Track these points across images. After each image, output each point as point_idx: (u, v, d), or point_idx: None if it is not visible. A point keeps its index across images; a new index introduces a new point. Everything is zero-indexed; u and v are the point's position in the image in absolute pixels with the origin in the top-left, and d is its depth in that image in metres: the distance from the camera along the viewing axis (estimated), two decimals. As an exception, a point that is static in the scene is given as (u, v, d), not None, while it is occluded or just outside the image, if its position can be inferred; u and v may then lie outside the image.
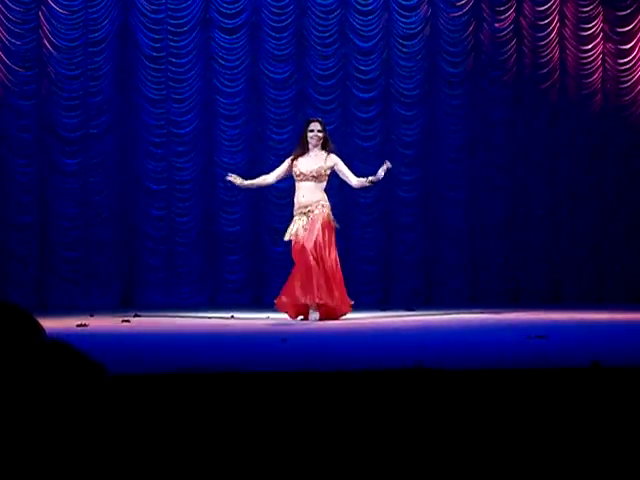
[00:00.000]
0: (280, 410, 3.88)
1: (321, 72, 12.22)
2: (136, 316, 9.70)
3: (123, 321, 9.12)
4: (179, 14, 12.01)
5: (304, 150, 9.59)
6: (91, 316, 9.48)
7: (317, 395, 4.02)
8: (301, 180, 9.56)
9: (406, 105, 12.31)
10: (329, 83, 12.22)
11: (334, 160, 9.63)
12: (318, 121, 9.70)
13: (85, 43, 11.82)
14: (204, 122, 12.11)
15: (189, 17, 12.03)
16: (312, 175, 9.51)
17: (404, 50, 12.33)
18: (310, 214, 9.51)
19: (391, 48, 12.32)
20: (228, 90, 12.11)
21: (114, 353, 5.18)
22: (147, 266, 11.97)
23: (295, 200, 9.67)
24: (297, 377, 4.30)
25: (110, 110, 11.90)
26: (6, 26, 11.65)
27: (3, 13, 11.62)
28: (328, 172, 9.62)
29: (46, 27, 11.76)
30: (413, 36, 12.33)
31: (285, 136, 12.15)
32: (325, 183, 9.63)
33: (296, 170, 9.56)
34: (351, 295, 12.25)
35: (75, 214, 11.79)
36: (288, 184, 12.29)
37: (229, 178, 9.74)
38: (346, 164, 9.77)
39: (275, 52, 12.15)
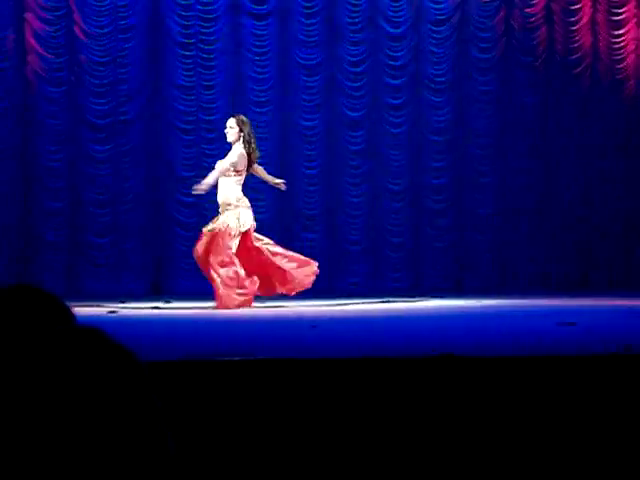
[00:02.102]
0: (310, 396, 3.88)
1: (351, 58, 12.18)
2: (166, 302, 9.75)
3: (153, 308, 9.16)
4: (209, 0, 12.00)
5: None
6: (122, 302, 9.53)
7: (347, 381, 4.02)
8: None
9: (436, 91, 12.26)
10: (359, 69, 12.18)
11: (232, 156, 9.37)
12: (232, 116, 9.55)
13: (115, 30, 11.85)
14: (233, 109, 12.11)
15: (219, 3, 12.02)
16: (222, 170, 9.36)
17: (434, 36, 12.27)
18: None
19: (421, 34, 12.26)
20: (257, 76, 12.10)
21: (144, 340, 5.19)
22: (177, 253, 12.01)
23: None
24: (326, 364, 4.30)
25: (140, 97, 11.93)
26: (37, 13, 11.70)
27: (36, 1, 11.67)
28: (231, 167, 9.36)
29: (76, 14, 11.80)
30: (443, 22, 12.27)
31: (314, 122, 12.13)
32: (236, 178, 9.40)
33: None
34: (380, 282, 12.27)
35: (105, 201, 11.84)
36: (318, 171, 12.30)
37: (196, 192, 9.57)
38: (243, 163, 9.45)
39: (305, 38, 12.13)
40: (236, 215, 9.23)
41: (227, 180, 9.31)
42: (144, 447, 1.09)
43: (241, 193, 9.40)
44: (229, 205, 9.24)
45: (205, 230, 9.34)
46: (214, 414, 3.67)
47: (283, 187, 9.72)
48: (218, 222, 9.26)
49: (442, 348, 4.62)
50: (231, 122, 9.40)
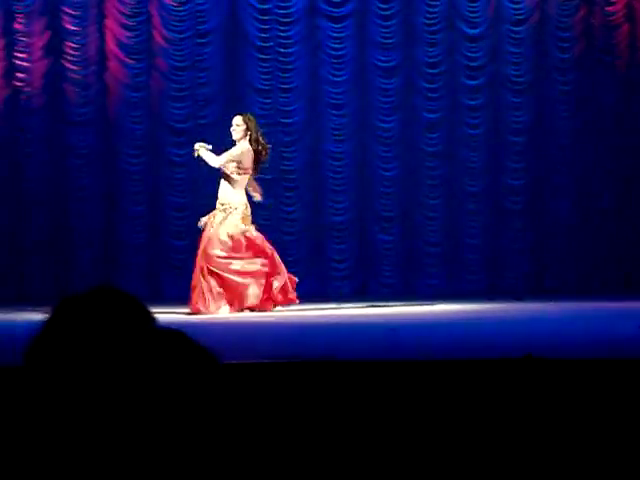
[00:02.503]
0: (388, 399, 3.87)
1: (428, 59, 12.13)
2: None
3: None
4: (286, 4, 12.06)
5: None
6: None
7: (426, 384, 4.00)
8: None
9: (515, 92, 12.15)
10: (436, 70, 12.12)
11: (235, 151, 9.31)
12: (240, 114, 9.50)
13: (194, 34, 11.97)
14: (311, 111, 12.15)
15: (296, 6, 12.07)
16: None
17: (513, 36, 12.15)
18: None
19: (500, 34, 12.16)
20: (335, 79, 12.12)
21: (225, 342, 5.24)
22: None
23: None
24: (406, 366, 4.29)
25: (218, 101, 12.03)
26: (118, 19, 11.88)
27: (116, 7, 11.85)
28: (231, 166, 9.30)
29: (156, 19, 11.95)
30: (522, 22, 12.15)
31: (391, 124, 12.11)
32: (237, 180, 9.35)
33: None
34: (457, 283, 12.18)
35: (185, 204, 11.95)
36: (395, 173, 12.27)
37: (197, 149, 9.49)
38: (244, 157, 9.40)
39: (382, 40, 12.11)
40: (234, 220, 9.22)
41: (234, 182, 9.31)
42: (221, 444, 1.10)
43: (245, 197, 9.34)
44: (230, 208, 9.20)
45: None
46: (294, 416, 3.69)
47: (259, 198, 9.54)
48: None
49: (521, 350, 4.57)
50: (237, 120, 9.39)
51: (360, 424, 3.61)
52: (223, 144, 12.02)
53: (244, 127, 9.33)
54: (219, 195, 9.41)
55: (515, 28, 12.15)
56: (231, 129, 9.45)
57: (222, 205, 9.31)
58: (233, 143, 9.61)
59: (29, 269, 11.87)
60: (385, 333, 6.56)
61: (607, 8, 12.17)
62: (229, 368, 1.20)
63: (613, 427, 3.61)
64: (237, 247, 9.23)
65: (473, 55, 12.14)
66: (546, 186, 12.19)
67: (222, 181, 9.44)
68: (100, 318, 1.44)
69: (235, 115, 9.65)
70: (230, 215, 9.23)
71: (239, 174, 9.32)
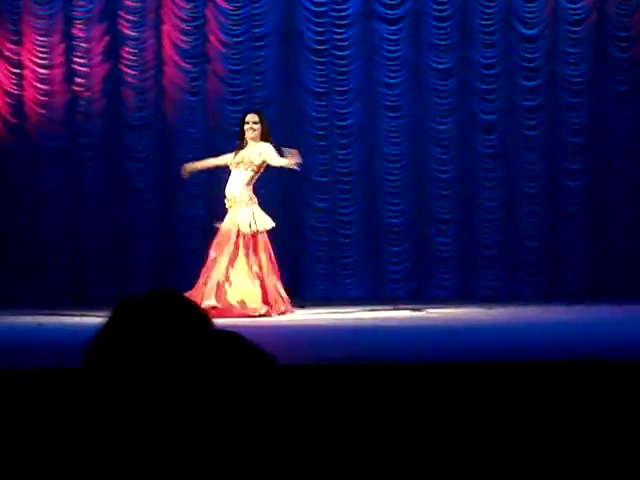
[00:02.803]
0: (441, 401, 3.85)
1: (484, 60, 12.06)
2: (301, 307, 9.82)
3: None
4: (341, 6, 12.06)
5: (242, 145, 9.31)
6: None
7: (485, 387, 3.97)
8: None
9: (572, 92, 12.02)
10: (492, 72, 12.05)
11: (260, 148, 9.22)
12: (256, 112, 9.39)
13: (250, 38, 12.02)
14: (366, 114, 12.14)
15: (351, 9, 12.07)
16: (236, 162, 9.21)
17: (571, 36, 12.04)
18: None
19: (557, 34, 12.05)
20: (390, 81, 12.09)
21: (281, 344, 5.24)
22: (311, 257, 12.10)
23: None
24: (462, 369, 4.26)
25: (274, 104, 12.07)
26: (175, 24, 11.98)
27: (173, 12, 11.95)
28: (255, 162, 9.22)
29: (213, 23, 12.03)
30: (580, 21, 12.03)
31: (448, 126, 12.06)
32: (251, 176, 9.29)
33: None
34: (516, 286, 12.09)
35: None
36: (451, 175, 12.21)
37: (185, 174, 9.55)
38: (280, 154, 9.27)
39: (437, 41, 12.06)
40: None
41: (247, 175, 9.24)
42: (282, 446, 1.10)
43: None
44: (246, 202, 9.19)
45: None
46: (353, 418, 3.68)
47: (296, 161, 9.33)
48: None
49: (582, 353, 4.53)
50: (255, 118, 9.28)
51: (420, 426, 3.59)
52: (281, 145, 12.07)
53: (260, 125, 9.25)
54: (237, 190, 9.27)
55: (573, 28, 12.04)
56: (254, 126, 9.29)
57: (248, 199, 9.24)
58: (240, 142, 9.42)
59: (89, 272, 12.00)
60: (442, 336, 6.53)
61: (667, 6, 12.00)
62: (286, 370, 1.20)
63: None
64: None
65: (530, 56, 12.04)
66: (605, 187, 12.05)
67: (239, 177, 9.29)
68: (158, 320, 1.44)
69: (250, 112, 9.51)
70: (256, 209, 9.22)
71: (256, 172, 9.33)
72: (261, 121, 9.25)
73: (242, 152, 9.30)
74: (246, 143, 9.29)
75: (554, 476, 3.37)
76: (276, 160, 9.35)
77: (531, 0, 12.03)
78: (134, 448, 1.18)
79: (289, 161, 9.22)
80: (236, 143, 9.65)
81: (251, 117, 9.27)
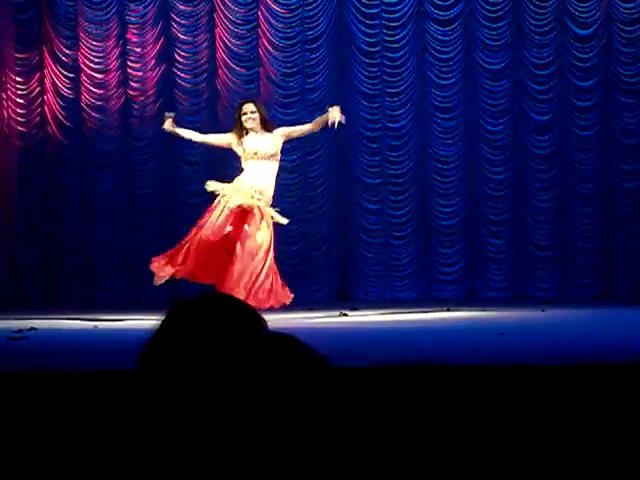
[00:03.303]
0: (496, 402, 3.84)
1: (537, 61, 11.98)
2: (353, 309, 9.83)
3: (341, 314, 9.25)
4: (394, 7, 12.06)
5: (240, 134, 8.88)
6: (310, 310, 9.66)
7: (536, 388, 3.96)
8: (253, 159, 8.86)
9: (627, 92, 11.90)
10: (546, 72, 11.96)
11: (280, 131, 8.88)
12: (251, 101, 8.98)
13: (302, 40, 12.06)
14: (418, 115, 12.12)
15: (404, 10, 12.06)
16: (270, 154, 8.82)
17: (625, 36, 11.92)
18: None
19: (611, 34, 11.93)
20: (442, 82, 12.06)
21: (332, 346, 5.26)
22: (363, 259, 12.11)
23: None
24: (514, 371, 4.24)
25: (326, 106, 12.07)
26: (228, 27, 12.06)
27: (225, 15, 12.03)
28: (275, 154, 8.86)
29: (265, 26, 12.08)
30: (635, 21, 11.90)
31: (500, 127, 12.00)
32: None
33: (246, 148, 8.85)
34: (570, 288, 11.99)
35: (293, 209, 12.04)
36: (504, 176, 12.14)
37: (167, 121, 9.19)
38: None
39: (490, 42, 12.01)
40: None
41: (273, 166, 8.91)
42: (335, 449, 1.11)
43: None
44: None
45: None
46: (402, 420, 3.69)
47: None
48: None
49: (636, 356, 4.49)
50: (252, 107, 8.85)
51: (468, 428, 3.59)
52: (329, 148, 12.11)
53: (258, 115, 8.85)
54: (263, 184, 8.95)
55: (627, 27, 11.91)
56: (246, 117, 8.82)
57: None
58: (236, 131, 9.02)
59: (142, 274, 12.11)
60: (494, 338, 6.50)
61: None
62: (340, 373, 1.21)
63: None
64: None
65: (584, 56, 11.94)
66: (661, 188, 11.90)
67: (265, 170, 8.93)
68: (212, 322, 1.46)
69: (247, 102, 9.07)
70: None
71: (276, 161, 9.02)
72: (258, 109, 8.85)
73: (253, 144, 8.88)
74: (246, 133, 8.93)
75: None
76: (300, 129, 9.14)
77: (585, 0, 11.93)
78: (189, 451, 1.20)
79: (323, 118, 8.95)
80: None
81: (248, 107, 8.86)
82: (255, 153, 8.85)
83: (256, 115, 8.84)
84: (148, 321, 7.68)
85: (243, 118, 8.88)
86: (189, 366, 1.29)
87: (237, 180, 9.00)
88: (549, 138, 11.98)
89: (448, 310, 9.58)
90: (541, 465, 3.43)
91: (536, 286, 11.93)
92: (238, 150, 8.97)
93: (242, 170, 9.02)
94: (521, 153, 12.02)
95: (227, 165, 12.15)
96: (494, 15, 12.01)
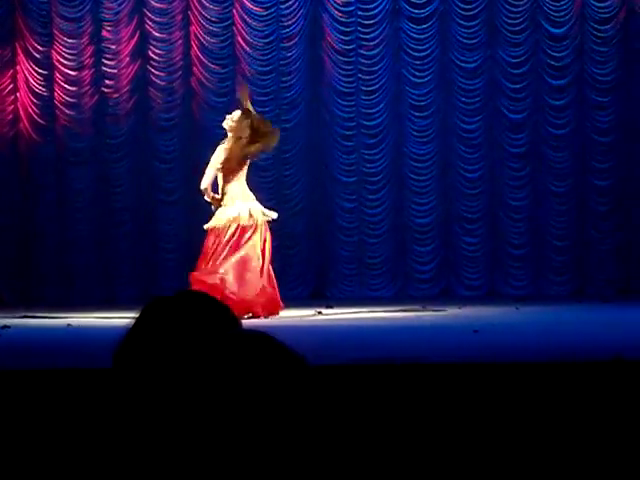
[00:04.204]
0: (471, 400, 3.85)
1: (512, 59, 12.02)
2: (328, 307, 9.83)
3: (316, 313, 9.25)
4: (368, 6, 12.06)
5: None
6: (285, 308, 9.65)
7: (509, 386, 3.97)
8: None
9: (600, 91, 11.96)
10: (520, 71, 12.01)
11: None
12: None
13: (277, 39, 12.05)
14: (393, 113, 12.14)
15: (378, 8, 12.07)
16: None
17: (598, 35, 11.98)
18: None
19: (584, 33, 11.99)
20: (417, 80, 12.08)
21: (307, 344, 5.26)
22: (338, 257, 12.11)
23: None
24: (489, 368, 4.26)
25: (301, 104, 12.09)
26: (203, 25, 12.02)
27: (200, 13, 12.00)
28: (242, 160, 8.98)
29: (240, 25, 12.06)
30: (608, 20, 11.97)
31: (475, 125, 12.03)
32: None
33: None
34: (544, 286, 12.05)
35: (270, 207, 12.02)
36: (478, 174, 12.18)
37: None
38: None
39: (465, 40, 12.04)
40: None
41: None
42: (310, 446, 1.11)
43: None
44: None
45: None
46: (378, 417, 3.69)
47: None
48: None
49: (609, 353, 4.51)
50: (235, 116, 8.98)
51: (440, 425, 3.60)
52: (305, 147, 12.11)
53: (235, 124, 8.96)
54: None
55: (600, 27, 11.98)
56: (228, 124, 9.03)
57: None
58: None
59: (116, 272, 12.07)
60: (469, 335, 6.52)
61: (696, 4, 11.91)
62: (316, 370, 1.21)
63: None
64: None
65: (558, 55, 11.99)
66: (633, 186, 11.98)
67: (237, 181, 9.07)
68: (187, 320, 1.46)
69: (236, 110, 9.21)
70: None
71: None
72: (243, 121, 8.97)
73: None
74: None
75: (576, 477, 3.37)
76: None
77: (558, -1, 11.98)
78: (163, 448, 1.20)
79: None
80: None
81: (235, 114, 9.08)
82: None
83: (233, 124, 9.02)
84: (122, 319, 7.64)
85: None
86: (164, 364, 1.29)
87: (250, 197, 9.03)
88: (523, 136, 12.02)
89: (423, 308, 9.60)
90: (515, 462, 3.44)
91: (510, 284, 11.98)
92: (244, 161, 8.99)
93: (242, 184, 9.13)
94: (495, 151, 12.06)
95: (202, 162, 12.13)
96: (469, 14, 12.04)
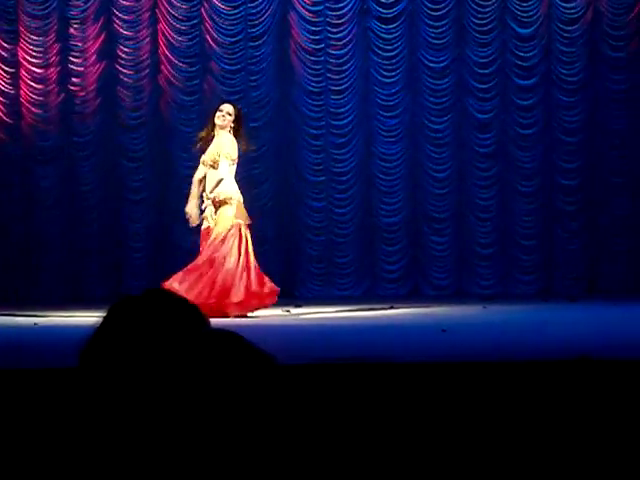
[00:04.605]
0: (439, 400, 3.86)
1: (480, 60, 12.07)
2: (297, 307, 9.82)
3: (285, 312, 9.24)
4: (337, 5, 12.07)
5: (209, 134, 8.89)
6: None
7: (477, 385, 3.98)
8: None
9: (567, 91, 12.04)
10: (488, 71, 12.06)
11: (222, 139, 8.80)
12: (233, 105, 8.97)
13: (246, 37, 12.03)
14: (362, 113, 12.15)
15: (347, 8, 12.08)
16: (209, 162, 8.84)
17: (565, 35, 12.05)
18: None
19: (552, 33, 12.06)
20: (386, 80, 12.11)
21: (276, 343, 5.25)
22: (307, 257, 12.11)
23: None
24: (456, 368, 4.27)
25: (270, 103, 12.08)
26: (171, 23, 11.98)
27: (168, 11, 11.95)
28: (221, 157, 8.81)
29: (208, 23, 12.03)
30: (575, 20, 12.04)
31: (443, 125, 12.07)
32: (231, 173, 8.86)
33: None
34: (511, 285, 12.10)
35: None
36: (446, 174, 12.22)
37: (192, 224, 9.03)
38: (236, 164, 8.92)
39: (433, 40, 12.08)
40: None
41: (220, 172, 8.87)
42: (279, 444, 1.11)
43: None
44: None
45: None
46: (346, 417, 3.69)
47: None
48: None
49: (575, 352, 4.54)
50: (230, 109, 8.85)
51: (411, 425, 3.60)
52: (273, 146, 12.09)
53: (232, 118, 8.83)
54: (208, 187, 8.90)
55: (567, 27, 12.05)
56: (220, 115, 8.84)
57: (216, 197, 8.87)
58: (208, 130, 9.02)
59: (83, 271, 12.01)
60: (437, 335, 6.54)
61: (662, 6, 12.01)
62: (285, 370, 1.21)
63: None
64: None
65: (525, 55, 12.05)
66: (600, 186, 12.06)
67: (211, 173, 8.90)
68: (154, 319, 1.45)
69: (225, 102, 9.14)
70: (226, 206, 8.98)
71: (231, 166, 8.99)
72: (236, 115, 8.87)
73: (210, 150, 8.92)
74: (215, 132, 8.91)
75: (542, 476, 3.38)
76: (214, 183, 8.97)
77: (526, -1, 12.04)
78: (130, 447, 1.19)
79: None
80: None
81: (226, 107, 8.92)
82: (214, 162, 8.97)
83: (230, 117, 8.87)
84: (89, 318, 7.60)
85: (217, 114, 8.87)
86: (131, 363, 1.28)
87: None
88: (491, 136, 12.08)
89: (391, 308, 9.61)
90: (483, 460, 3.45)
91: (478, 283, 12.03)
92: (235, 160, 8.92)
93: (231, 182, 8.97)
94: (463, 151, 12.10)
95: (170, 161, 12.10)
96: (437, 14, 12.07)
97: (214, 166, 8.90)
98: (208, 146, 9.00)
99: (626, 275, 11.98)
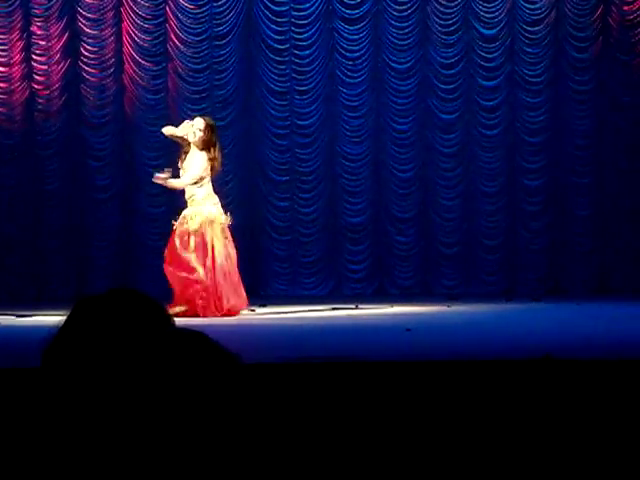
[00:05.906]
0: (403, 398, 3.88)
1: (443, 60, 12.12)
2: (262, 306, 9.82)
3: (250, 311, 9.24)
4: (302, 6, 12.08)
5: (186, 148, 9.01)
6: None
7: (440, 384, 4.01)
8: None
9: (531, 92, 12.12)
10: (452, 71, 12.12)
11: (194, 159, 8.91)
12: (204, 119, 9.05)
13: (211, 36, 12.01)
14: (327, 113, 12.17)
15: (312, 8, 12.09)
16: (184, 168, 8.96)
17: (529, 36, 12.13)
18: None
19: (515, 34, 12.14)
20: (350, 81, 12.13)
21: (241, 343, 5.25)
22: (272, 256, 12.11)
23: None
24: (421, 367, 4.29)
25: (235, 103, 12.06)
26: (135, 22, 11.93)
27: (133, 10, 11.90)
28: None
29: (173, 22, 11.99)
30: (538, 22, 12.12)
31: (407, 126, 12.11)
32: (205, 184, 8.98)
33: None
34: (475, 285, 12.17)
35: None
36: (411, 174, 12.26)
37: (156, 179, 9.10)
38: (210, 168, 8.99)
39: (397, 41, 12.11)
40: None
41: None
42: (243, 445, 1.11)
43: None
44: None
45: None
46: (311, 416, 3.70)
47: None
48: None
49: (539, 351, 4.57)
50: (201, 124, 8.91)
51: (375, 424, 3.62)
52: (238, 145, 12.08)
53: (202, 134, 8.86)
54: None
55: (531, 28, 12.13)
56: (191, 131, 8.89)
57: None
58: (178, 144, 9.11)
59: (48, 270, 11.93)
60: (401, 334, 6.56)
61: (624, 7, 12.13)
62: (250, 369, 1.21)
63: (629, 428, 3.60)
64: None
65: (489, 56, 12.12)
66: (563, 186, 12.15)
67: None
68: (118, 319, 1.44)
69: (201, 117, 9.20)
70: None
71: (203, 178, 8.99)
72: (205, 129, 8.88)
73: (184, 165, 9.02)
74: (189, 147, 8.96)
75: (516, 474, 3.41)
76: (180, 183, 9.10)
77: (490, 0, 12.10)
78: (93, 447, 1.19)
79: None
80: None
81: (197, 121, 8.97)
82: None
83: (199, 133, 8.91)
84: (52, 317, 7.55)
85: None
86: (94, 363, 1.28)
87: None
88: (454, 137, 12.13)
89: (356, 307, 9.63)
90: (446, 460, 3.47)
91: (442, 283, 12.08)
92: (208, 168, 8.94)
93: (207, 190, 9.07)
94: (427, 151, 12.15)
95: (135, 160, 12.04)
96: (401, 14, 12.11)
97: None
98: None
99: (589, 275, 12.08)
